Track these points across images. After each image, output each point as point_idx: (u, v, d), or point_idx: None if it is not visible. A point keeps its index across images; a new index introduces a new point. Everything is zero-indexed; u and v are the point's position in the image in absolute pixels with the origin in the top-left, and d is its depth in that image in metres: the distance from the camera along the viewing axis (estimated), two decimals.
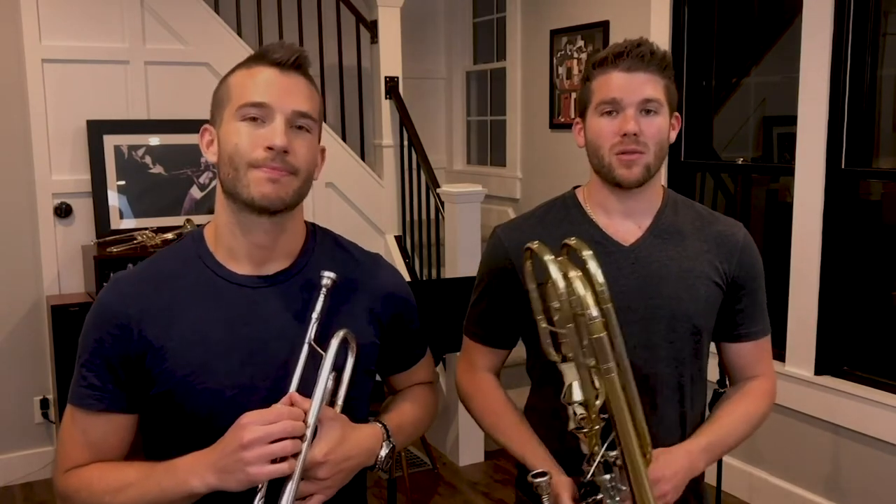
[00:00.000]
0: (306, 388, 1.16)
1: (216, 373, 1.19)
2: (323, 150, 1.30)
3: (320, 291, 1.20)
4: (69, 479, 1.22)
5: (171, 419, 1.22)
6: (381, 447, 1.24)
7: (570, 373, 1.26)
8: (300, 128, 1.20)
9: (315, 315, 1.19)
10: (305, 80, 1.23)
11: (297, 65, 1.21)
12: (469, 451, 3.77)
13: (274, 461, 1.09)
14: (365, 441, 1.22)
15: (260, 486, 1.12)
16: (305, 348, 1.18)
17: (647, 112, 1.40)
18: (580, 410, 1.25)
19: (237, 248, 1.24)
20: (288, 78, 1.20)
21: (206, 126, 1.26)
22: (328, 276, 1.20)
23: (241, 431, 1.09)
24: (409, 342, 1.41)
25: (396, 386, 1.45)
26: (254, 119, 1.18)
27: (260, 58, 1.22)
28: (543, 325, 1.29)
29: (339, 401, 1.21)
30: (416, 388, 1.45)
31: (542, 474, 1.31)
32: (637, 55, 1.40)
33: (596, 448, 1.27)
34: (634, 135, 1.38)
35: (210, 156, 1.24)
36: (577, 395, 1.25)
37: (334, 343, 1.18)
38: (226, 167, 1.20)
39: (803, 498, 3.13)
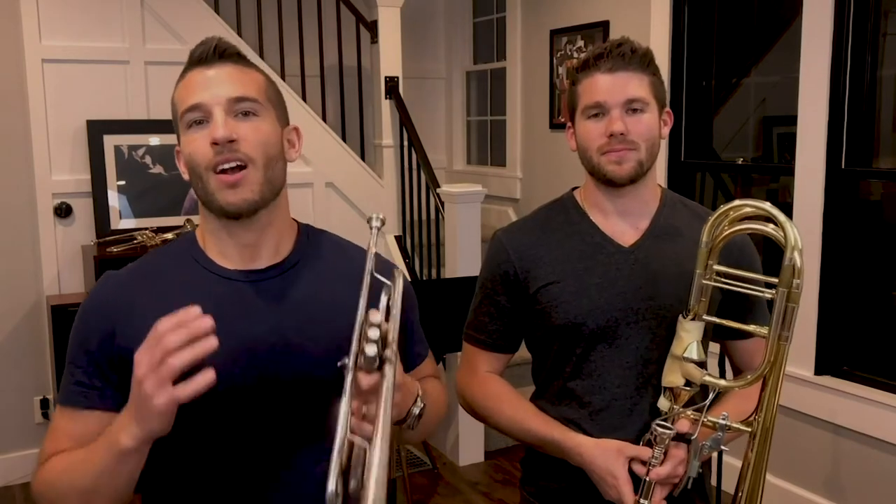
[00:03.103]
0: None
1: (207, 367, 1.17)
2: (296, 130, 1.28)
3: (372, 232, 1.16)
4: (39, 472, 1.19)
5: None
6: (416, 403, 1.19)
7: (695, 332, 1.33)
8: (246, 114, 1.18)
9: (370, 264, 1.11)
10: (234, 66, 1.20)
11: (219, 54, 1.20)
12: (469, 451, 3.77)
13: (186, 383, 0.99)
14: (411, 387, 1.17)
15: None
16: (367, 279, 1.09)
17: (634, 111, 1.41)
18: (692, 369, 1.32)
19: (226, 249, 1.23)
20: (213, 70, 1.19)
21: (177, 148, 1.25)
22: (377, 218, 1.18)
23: (135, 369, 1.01)
24: (410, 340, 1.39)
25: None
26: (198, 123, 1.17)
27: (188, 65, 1.22)
28: (704, 280, 1.31)
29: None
30: (425, 379, 1.41)
31: (668, 427, 1.34)
32: (618, 55, 1.41)
33: (675, 407, 1.34)
34: (622, 134, 1.39)
35: (185, 175, 1.23)
36: (695, 354, 1.32)
37: (398, 276, 1.16)
38: (193, 178, 1.19)
39: (803, 498, 3.12)
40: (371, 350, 0.99)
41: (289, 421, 1.20)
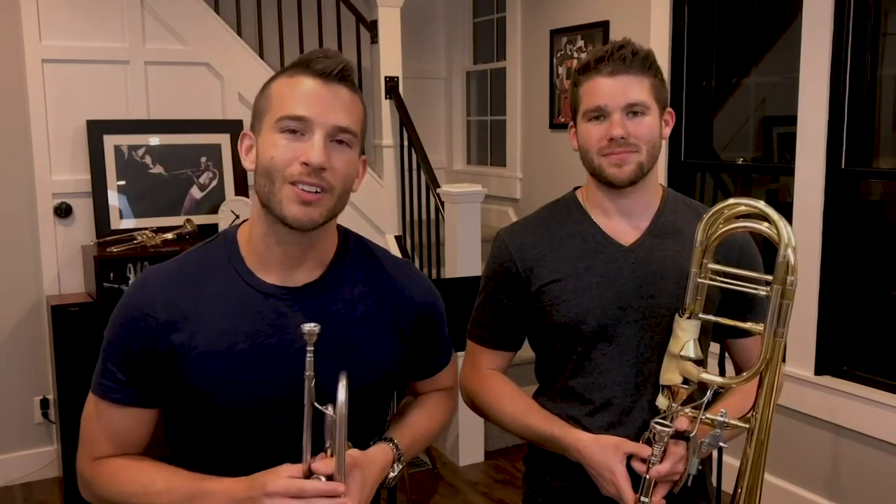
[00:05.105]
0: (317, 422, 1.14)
1: (241, 384, 1.19)
2: (364, 161, 1.28)
3: (309, 349, 1.11)
4: (98, 469, 1.23)
5: (199, 418, 1.22)
6: (392, 469, 1.26)
7: (691, 330, 1.33)
8: (340, 142, 1.17)
9: (308, 374, 1.11)
10: (349, 92, 1.19)
11: (341, 76, 1.18)
12: (469, 451, 3.77)
13: None
14: (379, 470, 1.24)
15: None
16: (307, 412, 1.12)
17: (635, 114, 1.41)
18: (690, 367, 1.32)
19: (269, 256, 1.23)
20: (331, 90, 1.17)
21: (246, 132, 1.24)
22: (310, 330, 1.11)
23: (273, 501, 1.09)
24: (432, 352, 1.41)
25: (418, 389, 1.46)
26: (293, 132, 1.15)
27: (303, 67, 1.18)
28: (699, 278, 1.32)
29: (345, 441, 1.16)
30: (434, 396, 1.45)
31: (666, 425, 1.35)
32: (619, 58, 1.41)
33: (673, 405, 1.35)
34: (622, 138, 1.40)
35: (248, 163, 1.22)
36: (692, 352, 1.33)
37: (341, 397, 1.11)
38: (262, 178, 1.18)
39: (803, 498, 3.13)
40: None
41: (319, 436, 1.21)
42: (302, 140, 1.15)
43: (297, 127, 1.15)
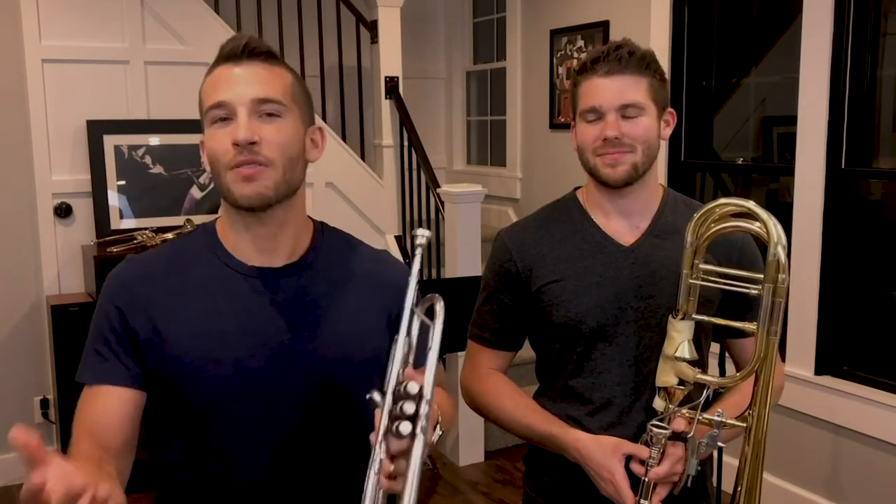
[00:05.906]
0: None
1: (221, 363, 1.19)
2: (320, 130, 1.28)
3: (416, 253, 1.11)
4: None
5: (172, 407, 1.21)
6: (435, 430, 1.18)
7: (686, 332, 1.33)
8: (270, 115, 1.18)
9: (413, 278, 1.10)
10: (263, 65, 1.20)
11: (248, 52, 1.19)
12: (469, 451, 3.77)
13: None
14: (436, 416, 1.17)
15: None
16: (406, 315, 1.08)
17: (630, 115, 1.41)
18: (685, 368, 1.32)
19: (242, 243, 1.24)
20: (243, 68, 1.19)
21: (202, 139, 1.25)
22: (422, 235, 1.12)
23: None
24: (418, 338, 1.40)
25: None
26: (222, 119, 1.18)
27: (217, 58, 1.22)
28: (691, 279, 1.32)
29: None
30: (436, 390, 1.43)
31: (663, 427, 1.35)
32: (615, 58, 1.41)
33: (670, 406, 1.34)
34: (616, 139, 1.40)
35: (206, 166, 1.25)
36: (687, 353, 1.32)
37: (440, 312, 1.08)
38: (213, 173, 1.21)
39: (803, 498, 3.13)
40: (405, 428, 0.99)
41: (299, 419, 1.22)
42: (231, 124, 1.17)
43: (222, 114, 1.17)
